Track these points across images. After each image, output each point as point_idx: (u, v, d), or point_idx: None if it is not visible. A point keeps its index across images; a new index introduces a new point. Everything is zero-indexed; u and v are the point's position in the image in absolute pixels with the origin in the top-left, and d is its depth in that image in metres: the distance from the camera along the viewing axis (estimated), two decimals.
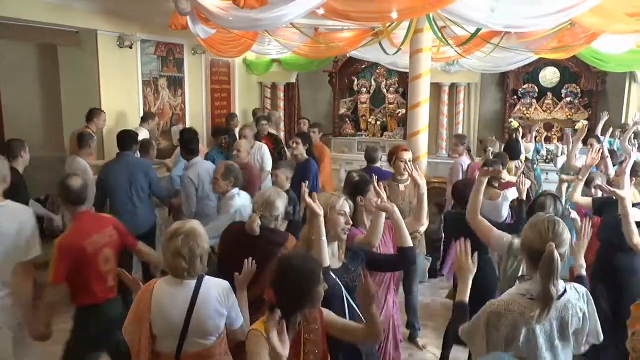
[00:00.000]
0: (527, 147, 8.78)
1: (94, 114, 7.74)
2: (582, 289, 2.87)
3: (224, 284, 3.18)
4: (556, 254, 2.57)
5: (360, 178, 4.41)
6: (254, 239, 3.89)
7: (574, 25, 6.69)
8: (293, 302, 2.63)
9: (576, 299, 2.77)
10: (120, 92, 8.70)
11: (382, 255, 3.81)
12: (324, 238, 3.16)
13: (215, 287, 3.12)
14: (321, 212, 3.17)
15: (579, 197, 5.14)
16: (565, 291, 2.73)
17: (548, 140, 10.84)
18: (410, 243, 3.51)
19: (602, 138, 8.15)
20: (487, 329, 2.66)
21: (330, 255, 3.30)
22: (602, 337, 2.88)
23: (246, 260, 3.28)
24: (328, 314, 2.88)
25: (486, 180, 4.12)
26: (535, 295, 2.63)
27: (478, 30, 6.52)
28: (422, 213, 4.19)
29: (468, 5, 4.75)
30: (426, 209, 4.20)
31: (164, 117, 9.86)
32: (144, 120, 8.65)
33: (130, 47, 8.68)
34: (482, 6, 4.78)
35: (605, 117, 9.04)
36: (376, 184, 3.67)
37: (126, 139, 6.32)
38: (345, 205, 3.48)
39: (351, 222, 3.48)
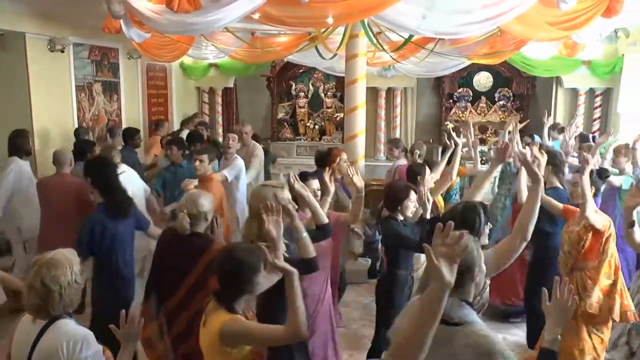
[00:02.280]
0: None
1: None
2: None
3: (78, 334, 2.71)
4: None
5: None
6: (181, 244, 3.90)
7: (503, 33, 6.92)
8: (233, 289, 2.82)
9: None
10: (53, 98, 8.47)
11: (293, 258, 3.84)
12: (305, 234, 3.32)
13: (62, 337, 2.66)
14: (294, 213, 3.34)
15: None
16: None
17: (483, 142, 11.18)
18: (325, 221, 3.82)
19: (536, 137, 8.48)
20: None
21: None
22: None
23: (123, 311, 2.84)
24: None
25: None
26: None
27: (411, 36, 6.66)
28: (358, 212, 4.53)
29: (400, 12, 4.85)
30: (362, 209, 4.52)
31: (99, 123, 9.66)
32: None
33: (62, 51, 8.46)
34: (413, 13, 4.89)
35: (548, 121, 9.37)
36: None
37: None
38: (288, 194, 3.66)
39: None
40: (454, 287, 2.04)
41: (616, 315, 4.50)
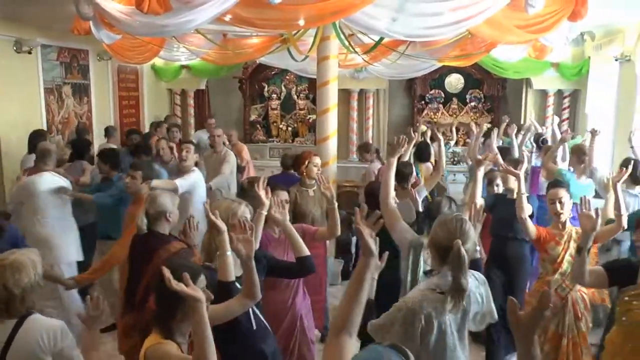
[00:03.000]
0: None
1: None
2: (480, 276, 3.08)
3: (55, 325, 2.81)
4: (462, 249, 2.73)
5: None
6: (139, 244, 3.92)
7: (474, 35, 7.01)
8: (168, 312, 2.55)
9: (475, 286, 2.96)
10: (20, 100, 8.34)
11: (283, 262, 3.85)
12: (229, 253, 3.05)
13: (39, 330, 2.75)
14: (224, 228, 3.07)
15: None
16: None
17: (456, 143, 11.30)
18: (306, 252, 3.58)
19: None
20: (403, 326, 2.75)
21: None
22: (496, 317, 3.07)
23: (88, 296, 2.79)
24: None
25: (395, 161, 4.20)
26: (446, 289, 2.77)
27: (382, 38, 6.70)
28: (335, 225, 4.30)
29: (370, 15, 4.88)
30: (338, 221, 4.30)
31: (69, 126, 9.54)
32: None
33: (30, 53, 8.33)
34: (383, 16, 4.93)
35: (506, 120, 9.49)
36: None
37: None
38: (246, 211, 3.49)
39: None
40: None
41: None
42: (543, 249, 4.61)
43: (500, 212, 5.33)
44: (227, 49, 8.46)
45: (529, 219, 4.69)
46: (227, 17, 5.15)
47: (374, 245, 2.29)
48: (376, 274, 2.49)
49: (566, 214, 4.52)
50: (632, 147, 6.65)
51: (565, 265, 4.50)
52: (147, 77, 11.85)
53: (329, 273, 6.19)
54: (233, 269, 3.07)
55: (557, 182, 5.07)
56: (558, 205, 4.51)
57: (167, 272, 2.34)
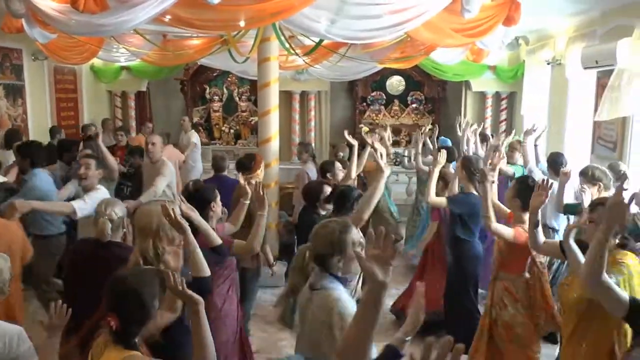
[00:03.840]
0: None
1: None
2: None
3: (13, 330, 2.77)
4: (307, 256, 2.72)
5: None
6: (99, 253, 3.69)
7: (413, 38, 7.14)
8: (137, 322, 2.46)
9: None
10: None
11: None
12: (198, 249, 3.06)
13: None
14: (188, 228, 3.09)
15: (433, 197, 5.26)
16: None
17: (396, 143, 11.49)
18: (206, 273, 3.12)
19: (444, 140, 8.87)
20: None
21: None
22: None
23: (53, 303, 2.74)
24: None
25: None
26: None
27: (321, 40, 6.76)
28: (257, 236, 4.07)
29: (309, 17, 4.92)
30: (263, 230, 4.10)
31: (2, 128, 9.22)
32: None
33: None
34: (322, 18, 4.97)
35: (460, 120, 9.72)
36: None
37: None
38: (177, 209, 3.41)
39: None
40: (322, 262, 2.69)
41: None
42: None
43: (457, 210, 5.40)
44: (168, 50, 8.37)
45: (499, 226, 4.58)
46: (167, 18, 5.10)
47: (377, 270, 1.99)
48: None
49: None
50: (536, 146, 6.91)
51: None
52: (85, 78, 11.57)
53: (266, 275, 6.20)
54: (205, 264, 3.07)
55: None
56: None
57: (170, 275, 2.47)
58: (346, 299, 2.76)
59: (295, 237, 6.79)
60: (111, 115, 12.29)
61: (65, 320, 2.71)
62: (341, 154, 7.69)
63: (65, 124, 10.71)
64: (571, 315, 3.43)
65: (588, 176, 5.12)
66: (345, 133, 6.45)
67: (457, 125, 8.79)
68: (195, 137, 10.60)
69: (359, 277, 3.22)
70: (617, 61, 6.47)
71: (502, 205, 4.82)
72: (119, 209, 3.80)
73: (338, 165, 6.26)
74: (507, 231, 4.31)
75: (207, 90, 12.79)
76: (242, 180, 4.58)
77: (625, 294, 2.85)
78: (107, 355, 2.41)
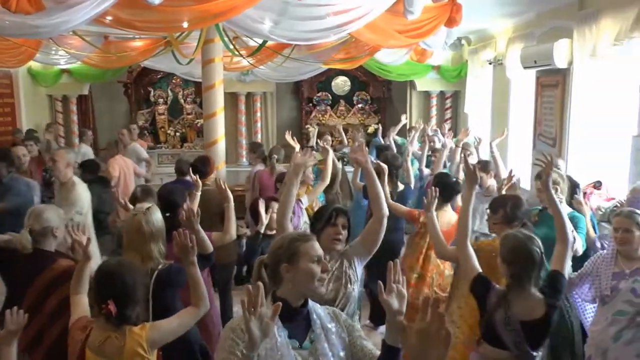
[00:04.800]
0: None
1: None
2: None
3: None
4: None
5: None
6: (21, 263, 3.64)
7: (357, 39, 7.18)
8: (132, 303, 2.85)
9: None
10: None
11: None
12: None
13: None
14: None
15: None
16: None
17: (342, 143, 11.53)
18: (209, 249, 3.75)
19: (378, 139, 9.01)
20: None
21: None
22: None
23: (8, 311, 2.73)
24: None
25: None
26: None
27: (265, 41, 6.73)
28: (230, 224, 4.28)
29: (252, 18, 4.86)
30: (234, 220, 4.29)
31: None
32: None
33: None
34: (266, 19, 4.93)
35: (403, 121, 9.86)
36: None
37: None
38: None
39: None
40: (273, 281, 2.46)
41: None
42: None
43: None
44: (109, 52, 8.18)
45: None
46: (107, 19, 4.97)
47: (395, 302, 2.17)
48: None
49: None
50: (476, 148, 7.07)
51: None
52: (23, 82, 11.13)
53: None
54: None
55: None
56: None
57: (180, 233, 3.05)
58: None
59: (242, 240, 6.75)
60: (52, 120, 11.89)
61: (21, 324, 2.71)
62: (275, 156, 7.64)
63: (2, 129, 10.31)
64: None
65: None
66: (287, 134, 6.38)
67: (404, 125, 8.97)
68: (144, 153, 9.67)
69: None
70: (554, 61, 6.68)
71: (398, 205, 5.33)
72: (49, 218, 3.72)
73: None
74: None
75: (152, 93, 12.58)
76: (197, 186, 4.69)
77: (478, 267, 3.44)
78: (131, 335, 2.80)
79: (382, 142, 9.04)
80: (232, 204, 4.29)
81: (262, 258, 2.58)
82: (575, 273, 4.00)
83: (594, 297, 3.87)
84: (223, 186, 4.29)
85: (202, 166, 5.99)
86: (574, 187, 5.00)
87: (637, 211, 3.76)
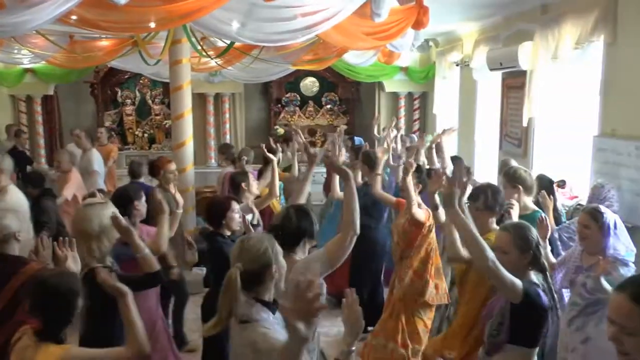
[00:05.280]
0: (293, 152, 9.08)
1: None
2: None
3: None
4: (235, 275, 2.51)
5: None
6: None
7: (325, 41, 7.20)
8: (58, 320, 2.66)
9: None
10: None
11: (134, 275, 3.73)
12: (147, 250, 3.34)
13: None
14: (129, 227, 3.40)
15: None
16: None
17: (312, 144, 11.56)
18: (155, 268, 3.44)
19: (357, 139, 9.03)
20: None
21: None
22: None
23: None
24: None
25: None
26: None
27: (233, 42, 6.72)
28: (172, 227, 4.23)
29: (219, 19, 4.86)
30: (166, 230, 4.15)
31: None
32: None
33: None
34: (233, 20, 4.93)
35: (377, 121, 9.92)
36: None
37: None
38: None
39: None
40: (251, 286, 2.47)
41: (429, 297, 4.83)
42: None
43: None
44: (75, 51, 8.06)
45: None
46: (72, 18, 4.91)
47: (300, 325, 2.03)
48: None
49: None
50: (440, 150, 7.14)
51: None
52: None
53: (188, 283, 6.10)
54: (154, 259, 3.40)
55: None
56: None
57: (103, 273, 2.84)
58: (273, 333, 2.46)
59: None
60: (15, 122, 11.59)
61: None
62: (245, 157, 7.62)
63: None
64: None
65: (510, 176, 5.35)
66: (263, 146, 6.32)
67: (375, 126, 9.02)
68: (95, 164, 8.32)
69: None
70: (519, 64, 6.79)
71: (386, 194, 5.55)
72: (8, 224, 3.61)
73: (251, 176, 5.98)
74: (421, 213, 4.83)
75: (119, 94, 12.39)
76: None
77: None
78: (44, 354, 2.57)
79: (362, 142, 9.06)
80: (166, 215, 4.12)
81: (236, 268, 2.52)
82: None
83: (563, 286, 4.03)
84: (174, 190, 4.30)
85: (140, 167, 6.15)
86: (548, 184, 5.15)
87: (600, 208, 3.81)
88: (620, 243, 3.73)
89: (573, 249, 4.07)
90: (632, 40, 5.23)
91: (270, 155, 5.83)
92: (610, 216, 3.75)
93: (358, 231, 3.24)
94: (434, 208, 4.54)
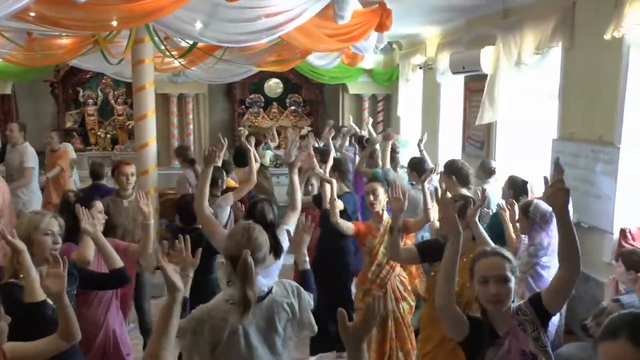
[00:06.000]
0: (261, 154, 9.07)
1: None
2: (293, 286, 3.05)
3: None
4: (250, 259, 2.75)
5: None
6: None
7: (289, 42, 7.20)
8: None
9: (283, 296, 2.95)
10: None
11: (96, 273, 3.69)
12: (34, 273, 2.88)
13: None
14: (23, 248, 2.91)
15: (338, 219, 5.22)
16: (270, 290, 2.91)
17: (277, 146, 11.53)
18: (120, 264, 3.52)
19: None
20: (193, 335, 2.74)
21: None
22: (315, 329, 3.07)
23: None
24: (12, 347, 2.60)
25: (210, 170, 4.19)
26: (237, 300, 2.77)
27: (195, 42, 6.65)
28: (147, 243, 4.16)
29: (182, 19, 4.80)
30: (151, 239, 4.19)
31: None
32: None
33: None
34: (195, 20, 4.88)
35: (330, 124, 9.97)
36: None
37: None
38: (52, 223, 3.21)
39: (60, 241, 3.24)
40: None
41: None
42: (362, 243, 4.92)
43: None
44: (33, 49, 7.86)
45: (341, 220, 4.89)
46: (31, 15, 4.79)
47: (179, 281, 2.40)
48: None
49: (379, 205, 4.82)
50: (421, 151, 7.19)
51: (380, 257, 4.78)
52: None
53: (147, 285, 6.00)
54: (40, 288, 2.82)
55: (374, 177, 5.70)
56: (372, 196, 4.79)
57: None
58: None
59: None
60: None
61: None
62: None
63: None
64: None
65: (446, 166, 5.57)
66: (242, 131, 6.29)
67: (328, 129, 9.09)
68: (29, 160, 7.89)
69: None
70: (481, 67, 6.89)
71: (344, 223, 5.00)
72: None
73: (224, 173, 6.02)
74: (348, 226, 4.81)
75: (81, 93, 12.19)
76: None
77: (411, 246, 3.49)
78: None
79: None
80: (151, 222, 4.14)
81: (248, 252, 2.77)
82: None
83: None
84: (145, 199, 4.13)
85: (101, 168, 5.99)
86: (522, 185, 5.31)
87: (531, 202, 4.36)
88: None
89: None
90: (588, 47, 5.36)
91: (248, 145, 5.86)
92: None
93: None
94: (397, 231, 3.94)
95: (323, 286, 5.34)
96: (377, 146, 7.57)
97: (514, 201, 4.83)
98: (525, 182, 5.34)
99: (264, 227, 3.12)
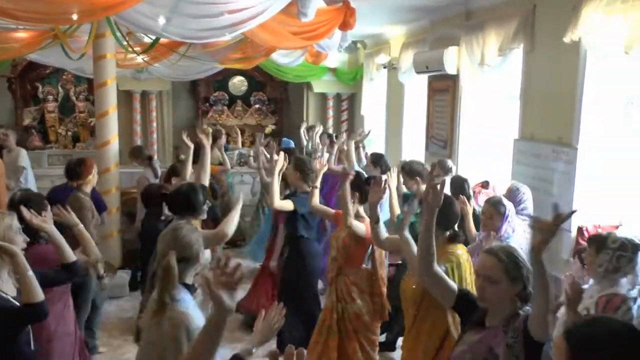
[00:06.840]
0: (215, 155, 8.97)
1: None
2: None
3: None
4: (173, 261, 2.63)
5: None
6: None
7: (253, 39, 7.17)
8: None
9: None
10: None
11: (51, 271, 3.61)
12: (30, 272, 2.94)
13: None
14: (17, 251, 2.97)
15: (279, 202, 5.21)
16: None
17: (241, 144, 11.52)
18: (72, 258, 3.44)
19: (287, 141, 9.07)
20: None
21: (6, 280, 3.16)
22: None
23: None
24: None
25: None
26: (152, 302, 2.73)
27: (158, 38, 6.58)
28: (88, 247, 3.91)
29: (143, 13, 4.74)
30: (91, 242, 3.95)
31: None
32: None
33: None
34: (158, 15, 4.82)
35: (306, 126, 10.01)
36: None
37: None
38: (16, 222, 3.30)
39: (28, 239, 3.33)
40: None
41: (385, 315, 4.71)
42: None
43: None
44: None
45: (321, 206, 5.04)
46: None
47: (224, 296, 2.02)
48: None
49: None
50: (363, 148, 7.25)
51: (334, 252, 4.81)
52: None
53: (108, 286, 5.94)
54: (38, 287, 2.96)
55: None
56: None
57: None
58: (193, 312, 2.66)
59: (140, 244, 6.52)
60: None
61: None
62: (182, 156, 7.52)
63: None
64: (411, 305, 3.68)
65: (406, 170, 5.60)
66: (184, 134, 6.12)
67: (303, 132, 9.11)
68: (25, 160, 8.29)
69: None
70: (445, 67, 6.96)
71: (324, 207, 5.11)
72: None
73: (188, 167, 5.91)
74: (361, 227, 4.53)
75: (40, 89, 11.82)
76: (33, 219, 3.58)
77: (453, 284, 3.07)
78: None
79: (292, 144, 9.13)
80: (81, 226, 3.86)
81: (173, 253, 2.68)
82: None
83: None
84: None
85: (76, 168, 5.63)
86: (462, 183, 5.38)
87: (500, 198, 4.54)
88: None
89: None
90: (548, 49, 5.44)
91: (204, 140, 5.72)
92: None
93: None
94: (375, 221, 3.98)
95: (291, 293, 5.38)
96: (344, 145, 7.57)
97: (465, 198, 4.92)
98: (465, 180, 5.46)
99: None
